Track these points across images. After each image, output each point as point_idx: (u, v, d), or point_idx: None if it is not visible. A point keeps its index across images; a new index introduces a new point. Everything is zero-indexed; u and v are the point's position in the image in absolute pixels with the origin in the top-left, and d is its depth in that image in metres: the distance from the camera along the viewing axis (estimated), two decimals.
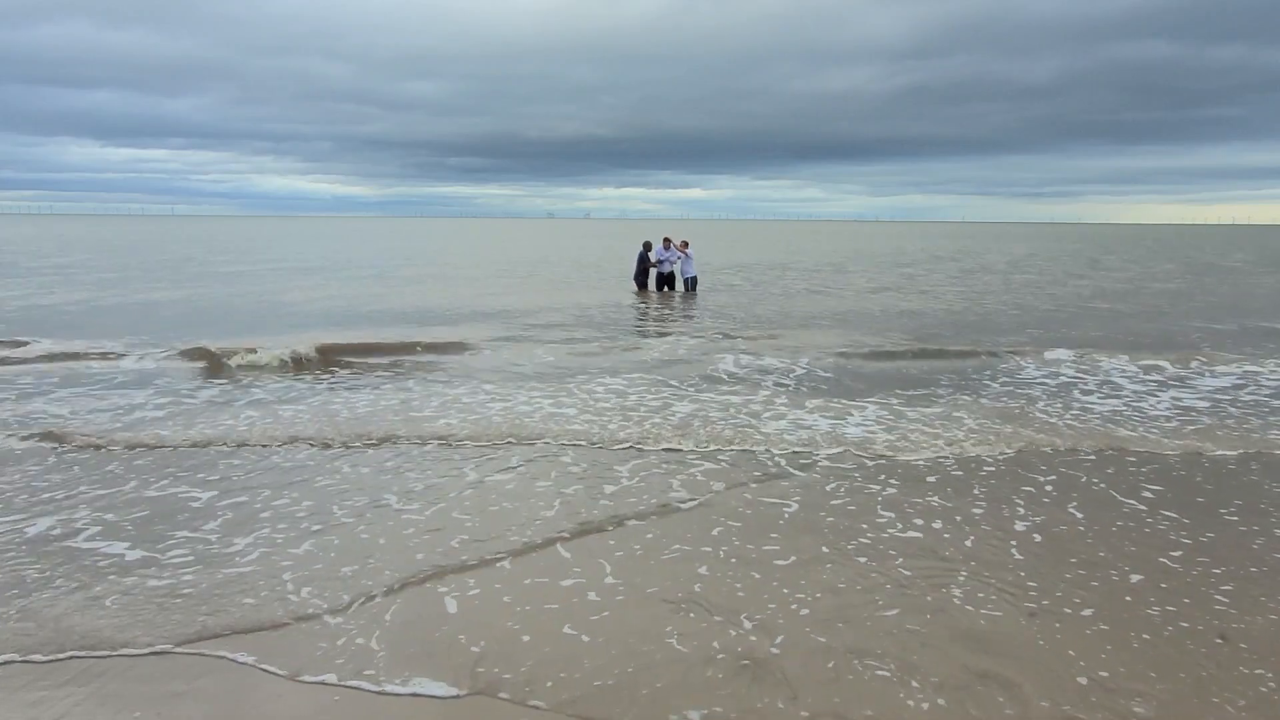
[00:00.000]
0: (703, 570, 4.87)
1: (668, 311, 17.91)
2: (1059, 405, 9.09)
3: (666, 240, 21.35)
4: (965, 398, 9.41)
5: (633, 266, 22.11)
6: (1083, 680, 3.75)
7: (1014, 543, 5.30)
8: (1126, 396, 9.52)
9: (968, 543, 5.27)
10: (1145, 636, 4.14)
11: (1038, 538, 5.39)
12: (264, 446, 7.31)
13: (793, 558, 5.05)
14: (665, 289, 21.09)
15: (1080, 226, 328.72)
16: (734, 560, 5.00)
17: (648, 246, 21.37)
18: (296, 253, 44.14)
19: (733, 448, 7.32)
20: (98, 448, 7.22)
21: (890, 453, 7.19)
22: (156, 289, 22.10)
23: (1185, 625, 4.26)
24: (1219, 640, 4.10)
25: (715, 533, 5.43)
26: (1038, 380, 10.43)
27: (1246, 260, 43.05)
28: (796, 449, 7.32)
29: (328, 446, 7.28)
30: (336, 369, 10.83)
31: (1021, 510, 5.88)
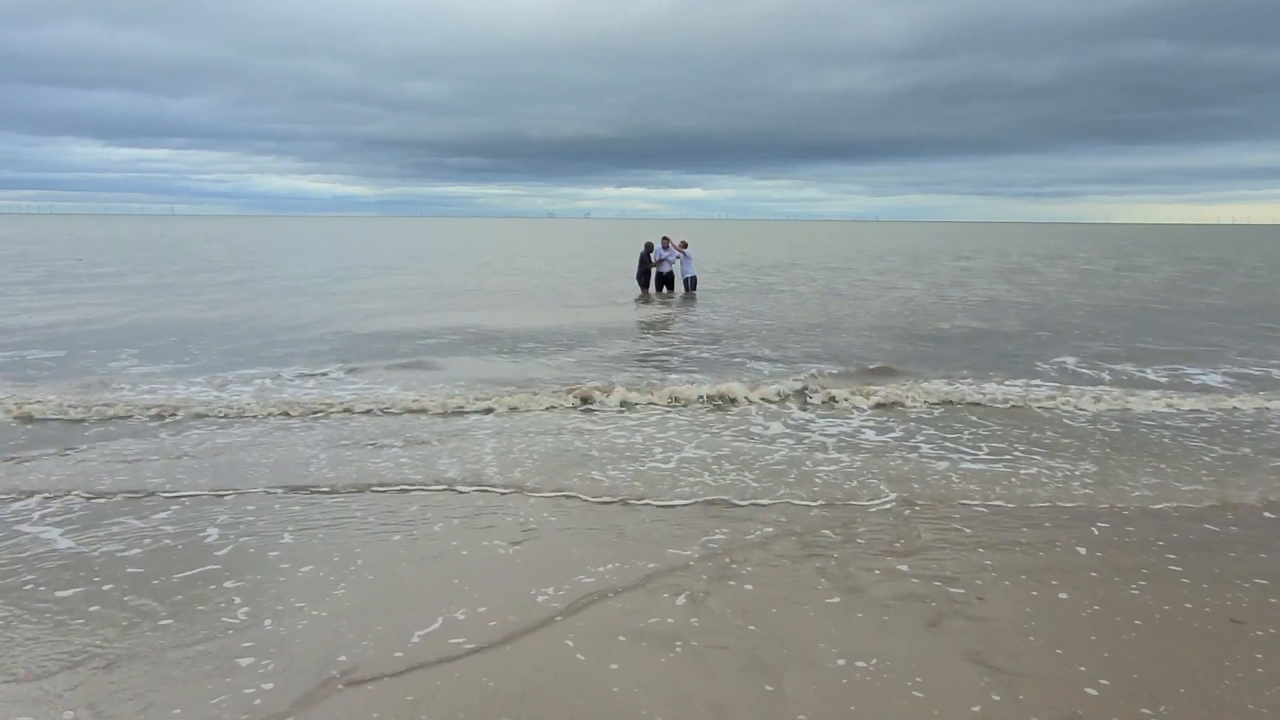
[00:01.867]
0: None
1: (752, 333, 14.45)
2: None
3: (665, 240, 21.32)
4: None
5: (635, 266, 22.07)
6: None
7: None
8: None
9: None
10: None
11: None
12: None
13: None
14: (664, 289, 21.04)
15: (1080, 226, 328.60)
16: None
17: (649, 247, 21.33)
18: (322, 255, 44.05)
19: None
20: None
21: None
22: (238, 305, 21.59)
23: None
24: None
25: None
26: None
27: None
28: None
29: None
30: None
31: None
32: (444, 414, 8.47)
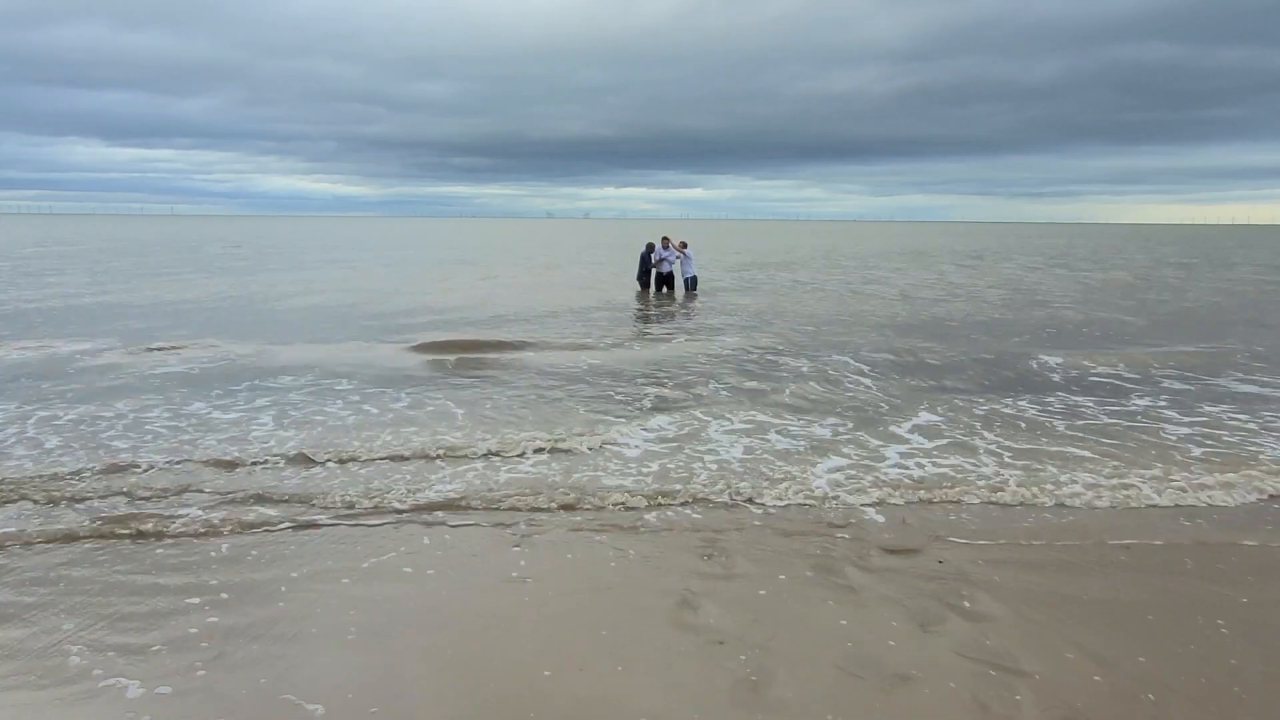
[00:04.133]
0: None
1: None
2: None
3: (665, 240, 21.34)
4: None
5: (635, 267, 22.06)
6: None
7: None
8: None
9: None
10: None
11: None
12: None
13: None
14: (664, 289, 21.04)
15: (1080, 226, 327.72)
16: None
17: (650, 248, 21.36)
18: (359, 254, 44.05)
19: None
20: None
21: None
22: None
23: None
24: None
25: None
26: None
27: None
28: None
29: None
30: None
31: None
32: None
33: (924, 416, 8.62)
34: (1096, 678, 3.78)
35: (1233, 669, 3.87)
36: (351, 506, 5.92)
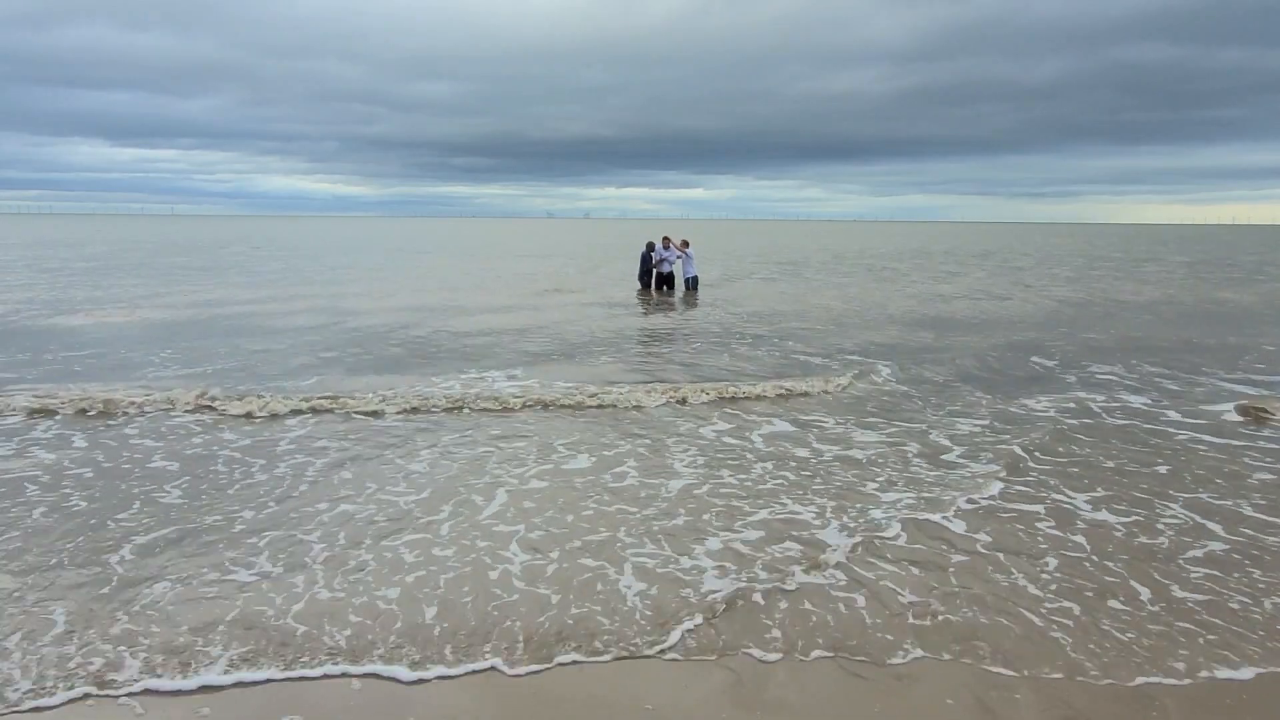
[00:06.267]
0: None
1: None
2: None
3: (666, 240, 21.40)
4: None
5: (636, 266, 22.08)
6: None
7: None
8: None
9: None
10: None
11: None
12: None
13: None
14: (665, 289, 21.06)
15: (1080, 226, 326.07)
16: None
17: (650, 247, 21.43)
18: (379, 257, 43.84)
19: None
20: None
21: None
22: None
23: None
24: None
25: None
26: None
27: None
28: None
29: None
30: None
31: None
32: None
33: None
34: (1096, 678, 3.78)
35: (1233, 669, 3.87)
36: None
